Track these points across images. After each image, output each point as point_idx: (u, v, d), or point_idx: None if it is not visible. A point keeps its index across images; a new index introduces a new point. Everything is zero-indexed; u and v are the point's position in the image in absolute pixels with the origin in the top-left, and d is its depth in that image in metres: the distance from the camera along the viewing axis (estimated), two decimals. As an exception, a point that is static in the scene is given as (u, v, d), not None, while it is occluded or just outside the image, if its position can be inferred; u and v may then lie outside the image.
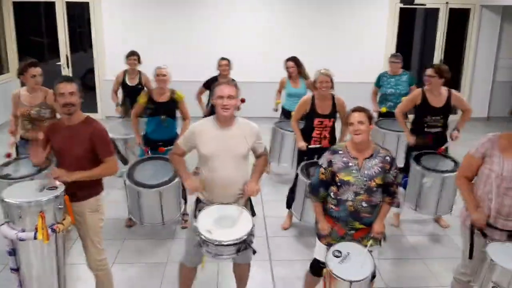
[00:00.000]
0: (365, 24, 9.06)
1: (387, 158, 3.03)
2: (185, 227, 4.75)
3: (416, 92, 4.78)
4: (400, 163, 5.66)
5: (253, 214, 3.18)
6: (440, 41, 9.31)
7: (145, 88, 6.00)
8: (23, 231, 2.84)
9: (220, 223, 2.94)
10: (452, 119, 4.82)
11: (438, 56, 9.31)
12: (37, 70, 4.19)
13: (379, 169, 3.00)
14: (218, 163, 3.07)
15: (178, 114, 4.95)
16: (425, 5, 9.19)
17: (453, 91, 4.74)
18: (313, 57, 8.87)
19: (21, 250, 2.93)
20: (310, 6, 8.95)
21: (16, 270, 2.98)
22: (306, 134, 4.61)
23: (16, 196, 2.88)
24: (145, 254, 4.37)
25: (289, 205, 4.81)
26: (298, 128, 4.69)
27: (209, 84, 6.16)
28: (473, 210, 3.02)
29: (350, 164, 3.00)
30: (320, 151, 4.51)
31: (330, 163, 3.05)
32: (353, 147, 3.06)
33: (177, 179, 4.22)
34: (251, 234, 2.91)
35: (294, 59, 6.14)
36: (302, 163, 4.58)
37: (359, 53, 8.92)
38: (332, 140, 4.64)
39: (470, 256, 3.09)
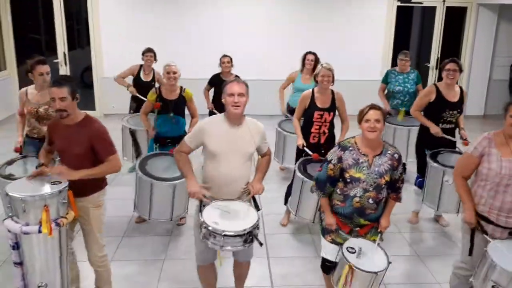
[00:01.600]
0: (362, 22, 9.08)
1: (395, 155, 3.06)
2: (181, 224, 4.82)
3: (430, 88, 4.71)
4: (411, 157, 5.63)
5: (257, 208, 3.18)
6: (437, 39, 9.34)
7: (156, 85, 5.98)
8: (27, 225, 2.86)
9: (226, 216, 2.97)
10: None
11: (435, 54, 9.34)
12: (45, 68, 4.15)
13: (389, 166, 3.02)
14: (224, 161, 3.10)
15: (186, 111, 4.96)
16: (422, 3, 9.22)
17: (463, 87, 4.77)
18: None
19: (25, 244, 2.96)
20: (308, 4, 8.96)
21: (20, 264, 3.00)
22: (306, 129, 4.62)
23: (20, 190, 2.90)
24: (143, 250, 4.39)
25: (286, 201, 4.83)
26: (299, 126, 4.69)
27: (213, 82, 6.16)
28: (467, 210, 3.09)
29: (361, 160, 3.01)
30: (317, 147, 4.55)
31: (340, 159, 3.04)
32: (363, 143, 3.05)
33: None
34: (256, 226, 2.95)
35: (315, 54, 6.09)
36: (300, 160, 4.60)
37: (357, 51, 8.94)
38: (331, 137, 4.65)
39: (470, 253, 3.14)
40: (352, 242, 3.07)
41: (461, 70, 4.61)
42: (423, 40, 10.37)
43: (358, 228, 3.13)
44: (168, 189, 4.21)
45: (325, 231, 3.22)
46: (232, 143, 3.09)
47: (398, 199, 3.19)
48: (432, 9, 9.29)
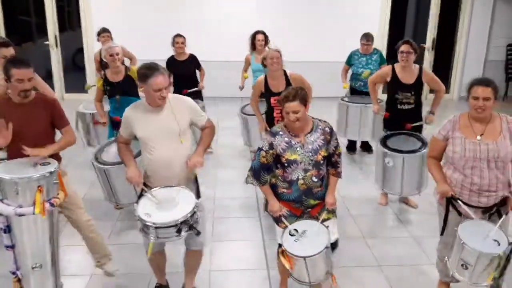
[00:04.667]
0: (358, 2, 8.96)
1: (327, 129, 3.06)
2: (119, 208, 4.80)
3: (386, 68, 4.77)
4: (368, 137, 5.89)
5: (198, 196, 3.12)
6: (433, 20, 9.24)
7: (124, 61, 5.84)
8: (21, 207, 2.84)
9: (162, 206, 2.92)
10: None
11: (431, 34, 9.25)
12: (8, 51, 3.96)
13: (322, 141, 3.01)
14: (155, 145, 3.05)
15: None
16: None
17: (424, 68, 4.72)
18: (304, 37, 8.84)
19: (16, 226, 2.95)
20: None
21: (11, 247, 2.99)
22: (269, 115, 4.57)
23: (11, 172, 2.88)
24: (136, 235, 4.30)
25: None
26: (258, 110, 4.64)
27: (168, 66, 5.85)
28: (439, 183, 3.09)
29: (293, 142, 2.98)
30: None
31: (271, 145, 3.01)
32: (292, 126, 3.01)
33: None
34: (192, 215, 2.88)
35: (264, 33, 6.01)
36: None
37: (351, 32, 8.78)
38: None
39: (442, 233, 3.20)
40: (299, 224, 3.02)
41: (415, 52, 4.55)
42: (419, 20, 10.28)
43: (309, 209, 3.10)
44: (123, 172, 4.13)
45: (277, 220, 3.15)
46: (157, 126, 3.03)
47: (338, 174, 3.17)
48: (429, -11, 9.18)
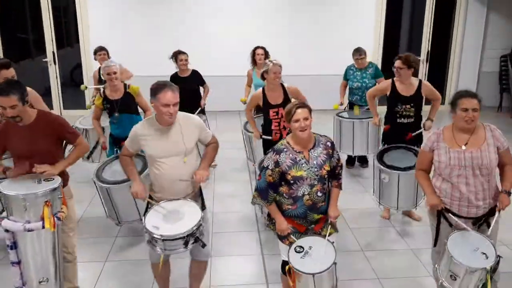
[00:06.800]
0: (352, 13, 9.07)
1: (328, 143, 3.10)
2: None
3: (386, 82, 4.84)
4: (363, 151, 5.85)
5: (203, 207, 3.20)
6: (427, 31, 9.35)
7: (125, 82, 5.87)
8: (28, 222, 2.88)
9: (169, 219, 2.96)
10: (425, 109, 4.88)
11: (425, 46, 9.35)
12: (10, 72, 3.98)
13: (325, 156, 3.04)
14: (164, 162, 3.09)
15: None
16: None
17: (424, 81, 4.78)
18: (298, 48, 8.90)
19: (22, 242, 2.98)
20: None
21: (18, 263, 3.01)
22: (267, 128, 4.62)
23: (17, 189, 2.91)
24: (136, 251, 4.35)
25: None
26: (252, 119, 4.73)
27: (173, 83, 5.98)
28: (429, 196, 3.17)
29: (298, 158, 3.00)
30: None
31: (277, 163, 3.00)
32: (295, 142, 3.04)
33: (146, 171, 4.00)
34: (198, 227, 2.92)
35: (263, 48, 6.09)
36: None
37: (346, 44, 8.84)
38: None
39: (435, 244, 3.26)
40: (304, 240, 3.03)
41: (410, 67, 4.56)
42: (413, 32, 10.39)
43: (313, 225, 3.12)
44: (126, 190, 4.09)
45: (281, 236, 3.14)
46: (166, 145, 3.08)
47: (340, 185, 3.21)
48: (422, 1, 9.29)
